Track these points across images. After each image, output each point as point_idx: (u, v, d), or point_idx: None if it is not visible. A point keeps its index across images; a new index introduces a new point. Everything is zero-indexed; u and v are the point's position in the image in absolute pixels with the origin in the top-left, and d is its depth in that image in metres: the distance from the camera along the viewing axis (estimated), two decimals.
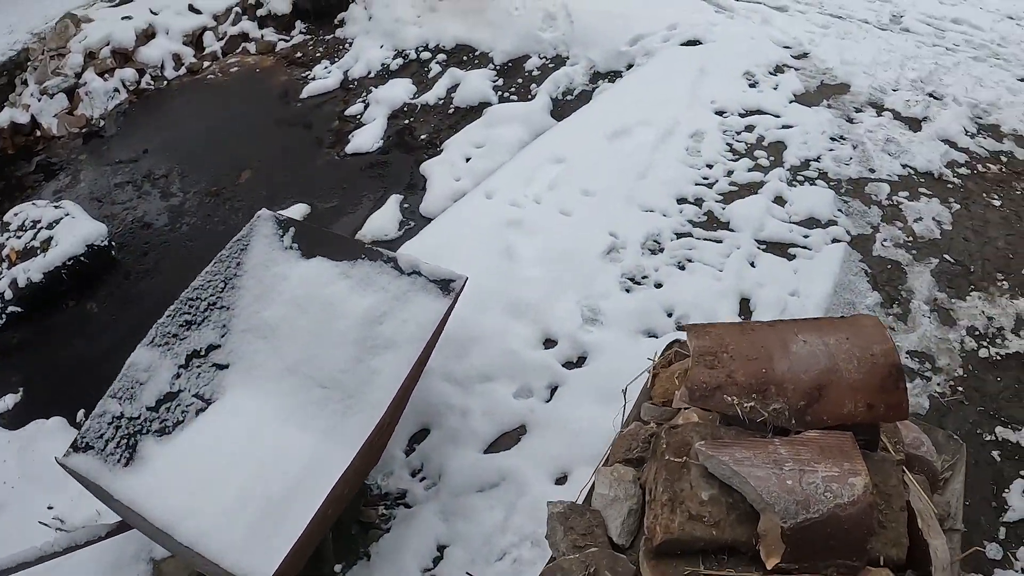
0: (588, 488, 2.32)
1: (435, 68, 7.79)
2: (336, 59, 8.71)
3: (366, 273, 3.73)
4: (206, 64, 9.23)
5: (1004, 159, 5.54)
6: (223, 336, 3.77)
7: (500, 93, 7.00)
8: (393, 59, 8.23)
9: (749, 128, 5.81)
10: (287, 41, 9.61)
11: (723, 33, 6.92)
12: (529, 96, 6.81)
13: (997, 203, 5.11)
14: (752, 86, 6.37)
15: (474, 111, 6.85)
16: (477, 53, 7.81)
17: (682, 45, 6.97)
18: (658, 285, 4.63)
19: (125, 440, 3.43)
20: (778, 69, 6.60)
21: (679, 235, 4.88)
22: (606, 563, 2.04)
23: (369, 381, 3.43)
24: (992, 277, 4.56)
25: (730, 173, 5.43)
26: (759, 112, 5.94)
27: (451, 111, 7.04)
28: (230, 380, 3.70)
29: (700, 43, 6.95)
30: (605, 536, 2.17)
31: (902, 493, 1.98)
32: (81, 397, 4.61)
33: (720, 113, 5.91)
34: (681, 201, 5.16)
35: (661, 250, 4.88)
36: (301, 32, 9.64)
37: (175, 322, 3.61)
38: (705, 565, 1.94)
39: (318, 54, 9.04)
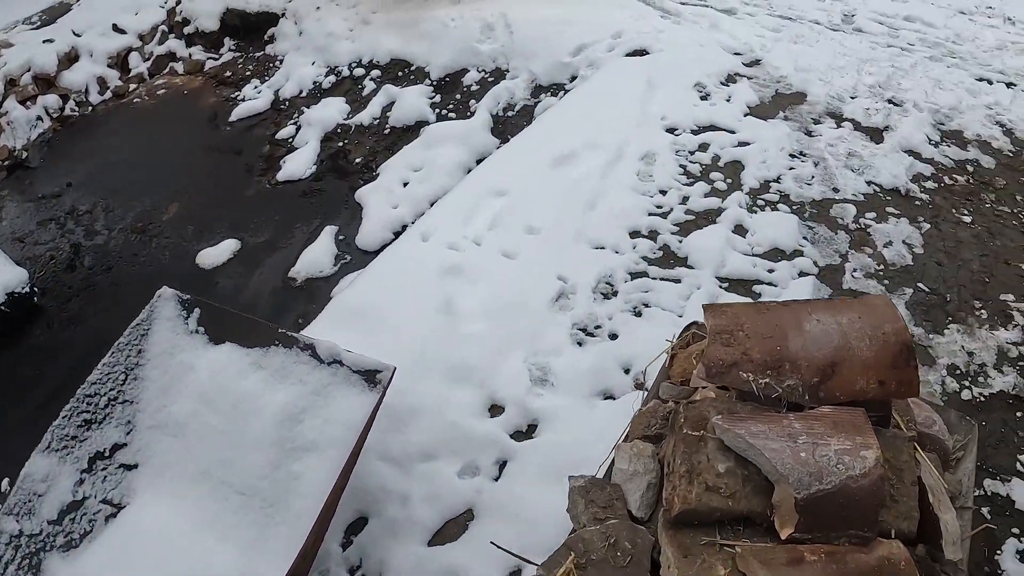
0: (608, 463, 2.27)
1: (369, 85, 7.38)
2: (266, 77, 8.21)
3: (282, 363, 3.27)
4: (132, 87, 8.72)
5: (970, 168, 5.26)
6: (128, 433, 3.30)
7: (438, 111, 6.74)
8: (325, 76, 7.76)
9: (703, 146, 5.29)
10: (216, 59, 9.04)
11: (670, 40, 6.54)
12: (468, 113, 6.52)
13: (968, 219, 4.77)
14: (704, 98, 5.89)
15: (411, 131, 6.62)
16: (413, 68, 7.43)
17: (628, 55, 6.59)
18: (613, 336, 4.14)
19: (27, 561, 2.99)
20: (730, 79, 6.12)
21: (634, 275, 4.43)
22: (626, 534, 2.02)
23: (291, 489, 3.01)
24: (969, 306, 4.24)
25: (685, 200, 4.93)
26: (713, 128, 5.49)
27: (387, 131, 6.77)
28: (140, 482, 3.23)
29: (647, 53, 6.51)
30: (625, 509, 2.12)
31: (913, 468, 1.91)
32: (3, 468, 3.95)
33: (672, 131, 5.48)
34: (634, 235, 4.71)
35: (615, 294, 4.40)
36: (231, 49, 9.12)
37: (73, 423, 3.16)
38: (721, 535, 1.88)
39: (248, 72, 8.50)
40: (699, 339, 2.49)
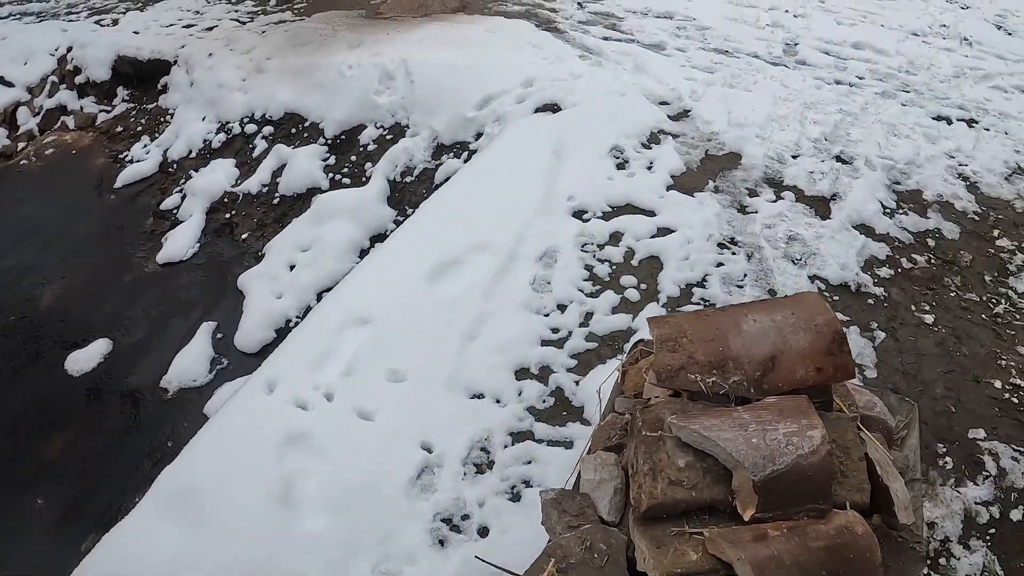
0: (575, 477, 2.26)
1: (260, 144, 6.44)
2: (157, 134, 7.26)
3: None
4: (21, 146, 7.71)
5: (931, 242, 4.35)
6: None
7: (331, 175, 5.90)
8: (216, 133, 6.80)
9: (615, 237, 4.35)
10: (109, 111, 8.10)
11: (587, 90, 5.54)
12: (364, 178, 5.71)
13: (929, 319, 3.87)
14: (621, 166, 4.90)
15: (302, 199, 5.77)
16: (307, 124, 6.39)
17: (539, 110, 5.53)
18: (483, 532, 3.13)
19: None
20: (653, 138, 5.09)
21: (516, 436, 3.37)
22: (600, 536, 2.03)
23: None
24: (932, 453, 3.21)
25: (588, 318, 3.89)
26: (629, 208, 4.58)
27: (276, 200, 5.92)
28: None
29: (559, 108, 5.46)
30: (596, 515, 2.11)
31: (859, 445, 1.98)
32: None
33: (580, 214, 4.49)
34: (521, 374, 3.64)
35: (490, 465, 3.32)
36: (124, 100, 8.13)
37: None
38: (689, 524, 1.91)
39: (139, 128, 7.61)
40: (647, 354, 2.41)
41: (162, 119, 7.20)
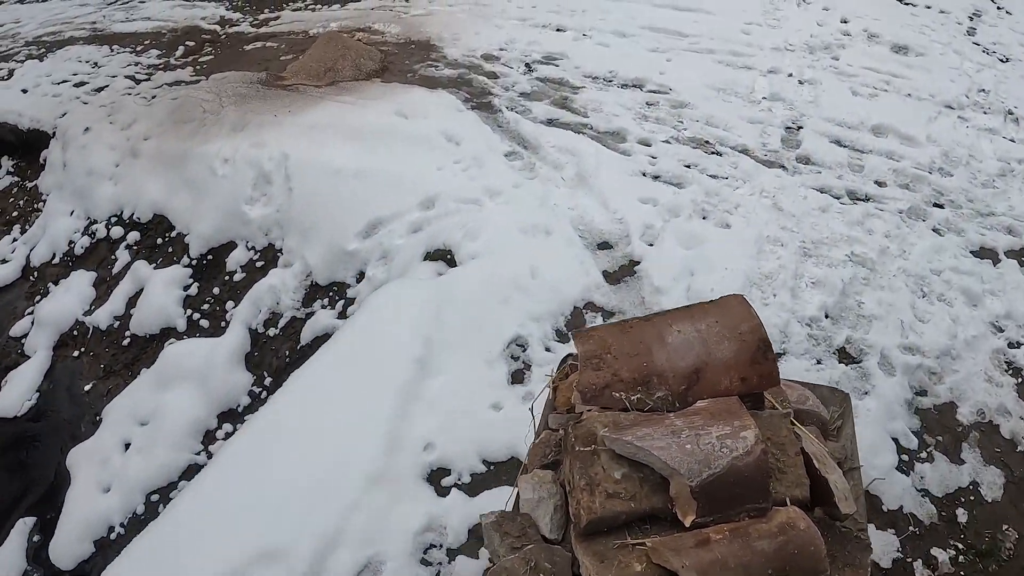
0: (514, 497, 2.26)
1: (123, 257, 5.50)
2: (28, 225, 6.20)
3: None
4: None
5: (962, 517, 3.16)
6: None
7: (189, 312, 4.98)
8: (81, 235, 5.77)
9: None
10: None
11: (499, 225, 4.34)
12: (223, 322, 4.78)
13: None
14: (518, 379, 3.63)
15: (154, 342, 4.95)
16: (174, 234, 5.43)
17: (428, 257, 4.36)
18: None
19: None
20: (575, 321, 3.89)
21: None
22: (544, 556, 2.00)
23: None
24: None
25: None
26: (516, 463, 3.23)
27: (127, 340, 5.03)
28: None
29: (452, 259, 4.30)
30: (538, 534, 2.11)
31: (794, 441, 2.03)
32: None
33: (439, 479, 3.30)
34: None
35: None
36: (9, 172, 6.96)
37: None
38: (631, 536, 1.89)
39: (15, 212, 6.45)
40: (576, 368, 2.36)
41: (37, 204, 6.36)
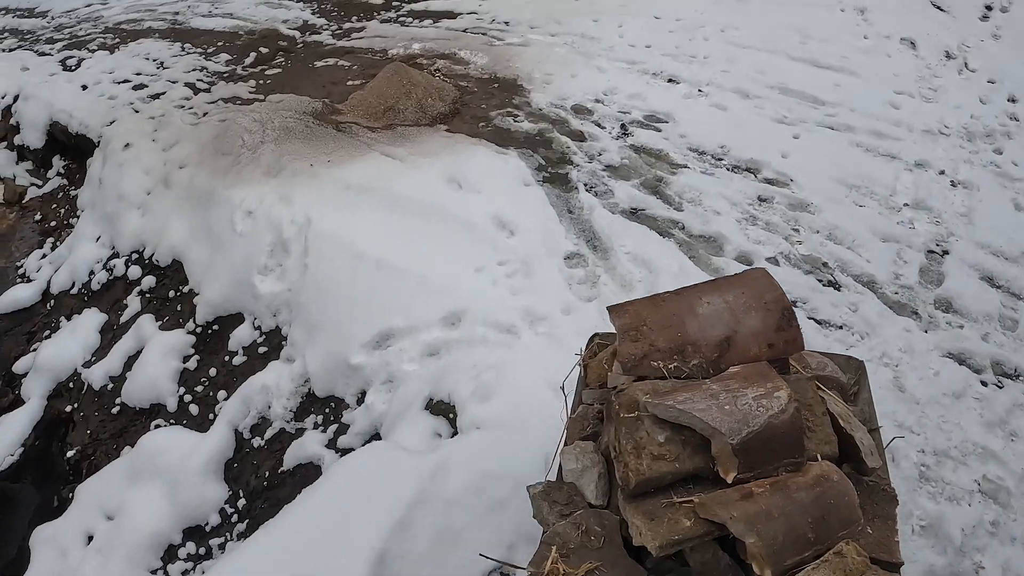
0: (556, 468, 2.50)
1: (133, 304, 5.30)
2: (61, 240, 6.16)
3: None
4: None
5: None
6: None
7: (182, 392, 4.62)
8: (102, 267, 5.66)
9: None
10: (40, 186, 6.87)
11: (529, 375, 3.63)
12: (211, 415, 4.44)
13: None
14: None
15: (144, 416, 4.64)
16: (186, 290, 5.16)
17: (429, 406, 3.72)
18: None
19: None
20: None
21: None
22: (593, 520, 2.20)
23: None
24: None
25: None
26: None
27: (116, 408, 4.72)
28: None
29: (455, 421, 3.62)
30: (584, 501, 2.32)
31: (820, 402, 2.28)
32: None
33: None
34: None
35: None
36: (59, 174, 6.91)
37: None
38: (676, 496, 2.10)
39: (54, 221, 6.35)
40: (603, 347, 2.77)
41: (72, 219, 6.21)
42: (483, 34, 7.52)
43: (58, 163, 7.00)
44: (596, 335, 2.88)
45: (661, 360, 2.29)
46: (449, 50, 7.22)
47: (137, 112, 6.65)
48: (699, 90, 6.09)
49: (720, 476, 2.08)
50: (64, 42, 8.60)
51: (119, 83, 7.27)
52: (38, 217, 6.59)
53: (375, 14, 8.47)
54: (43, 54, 8.35)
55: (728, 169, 5.18)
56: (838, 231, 4.62)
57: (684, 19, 7.35)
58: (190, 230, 5.33)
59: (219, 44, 7.95)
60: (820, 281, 4.30)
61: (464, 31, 7.63)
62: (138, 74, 7.37)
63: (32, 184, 6.95)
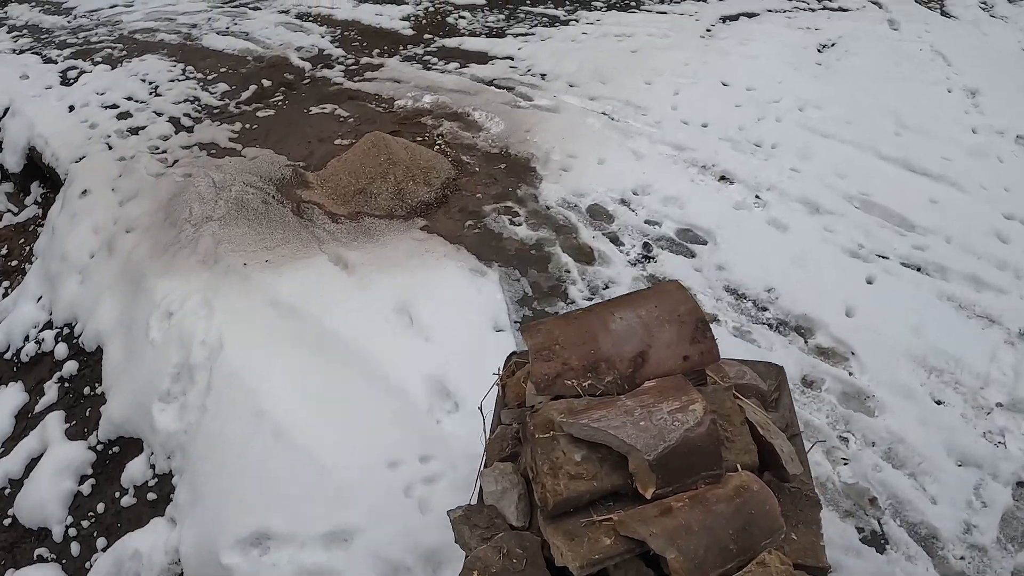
0: (476, 491, 2.60)
1: (51, 393, 4.62)
2: (15, 285, 5.63)
3: None
4: None
5: None
6: None
7: (71, 521, 3.90)
8: (37, 334, 4.95)
9: None
10: (16, 214, 6.41)
11: None
12: (89, 562, 3.78)
13: None
14: None
15: (30, 538, 3.95)
16: (99, 391, 4.47)
17: None
18: None
19: None
20: None
21: None
22: (514, 542, 2.23)
23: None
24: None
25: None
26: None
27: (8, 520, 4.10)
28: None
29: None
30: (505, 523, 2.36)
31: (739, 411, 2.40)
32: None
33: None
34: None
35: None
36: (36, 202, 6.48)
37: None
38: (596, 514, 2.18)
39: (15, 261, 5.69)
40: (521, 365, 2.96)
41: (28, 263, 5.83)
42: (509, 89, 7.04)
43: (36, 190, 6.95)
44: (514, 353, 3.06)
45: (575, 378, 2.37)
46: (463, 108, 6.77)
47: (110, 149, 6.62)
48: (757, 197, 5.18)
49: (639, 492, 2.21)
50: (74, 48, 8.95)
51: (106, 108, 7.41)
52: (4, 251, 6.48)
53: (400, 48, 8.19)
54: (48, 61, 8.78)
55: (771, 327, 4.26)
56: (901, 447, 3.59)
57: (757, 88, 6.69)
58: (118, 317, 4.95)
59: (222, 70, 7.95)
60: (860, 532, 3.33)
61: (490, 82, 7.21)
62: (128, 99, 7.50)
63: (8, 210, 6.87)
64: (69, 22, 9.64)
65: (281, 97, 7.25)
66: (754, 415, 2.37)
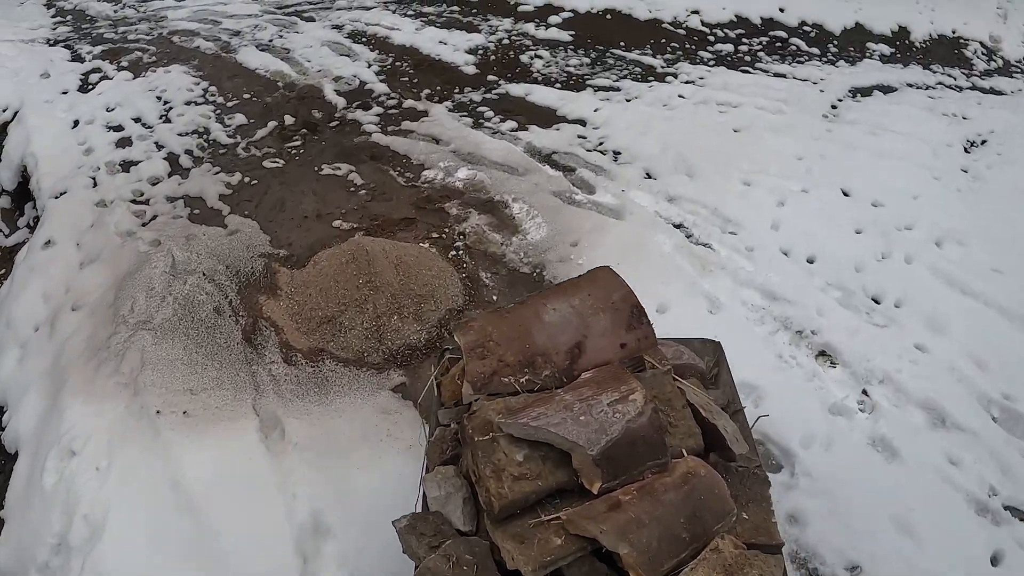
0: (420, 499, 2.65)
1: None
2: None
3: None
4: None
5: None
6: None
7: None
8: None
9: None
10: (7, 235, 5.56)
11: None
12: None
13: None
14: None
15: None
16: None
17: None
18: None
19: None
20: None
21: None
22: (463, 548, 2.23)
23: None
24: None
25: None
26: None
27: None
28: None
29: None
30: (452, 529, 2.37)
31: (680, 395, 2.55)
32: None
33: None
34: None
35: None
36: (28, 225, 5.67)
37: None
38: (544, 513, 2.24)
39: None
40: (456, 362, 3.01)
41: None
42: (568, 171, 5.58)
43: (29, 211, 6.51)
44: (447, 350, 3.12)
45: (511, 375, 2.43)
46: (502, 195, 5.44)
47: (94, 186, 5.90)
48: (864, 394, 3.68)
49: (586, 487, 2.35)
50: (106, 46, 8.44)
51: (109, 129, 6.70)
52: None
53: (455, 91, 6.95)
54: (76, 58, 8.26)
55: None
56: None
57: (886, 205, 5.45)
58: (35, 426, 3.94)
59: (246, 95, 7.03)
60: None
61: (547, 157, 5.80)
62: (136, 120, 6.78)
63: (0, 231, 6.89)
64: (115, 12, 9.22)
65: (298, 143, 6.02)
66: (695, 397, 2.55)
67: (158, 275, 4.44)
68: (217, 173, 5.61)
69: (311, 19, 8.68)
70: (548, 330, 2.43)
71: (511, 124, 6.05)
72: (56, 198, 5.68)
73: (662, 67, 7.28)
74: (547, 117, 6.24)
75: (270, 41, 7.94)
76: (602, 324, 2.42)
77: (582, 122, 6.17)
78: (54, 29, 8.79)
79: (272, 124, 6.03)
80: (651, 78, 7.08)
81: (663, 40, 7.90)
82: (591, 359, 2.42)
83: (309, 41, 7.83)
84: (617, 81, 7.02)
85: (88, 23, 8.75)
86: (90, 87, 7.20)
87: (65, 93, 7.19)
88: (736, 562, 2.00)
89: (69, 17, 9.02)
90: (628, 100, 6.53)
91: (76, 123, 6.65)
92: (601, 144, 5.77)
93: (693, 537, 2.09)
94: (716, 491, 2.14)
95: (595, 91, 6.77)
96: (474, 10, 8.67)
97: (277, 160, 5.76)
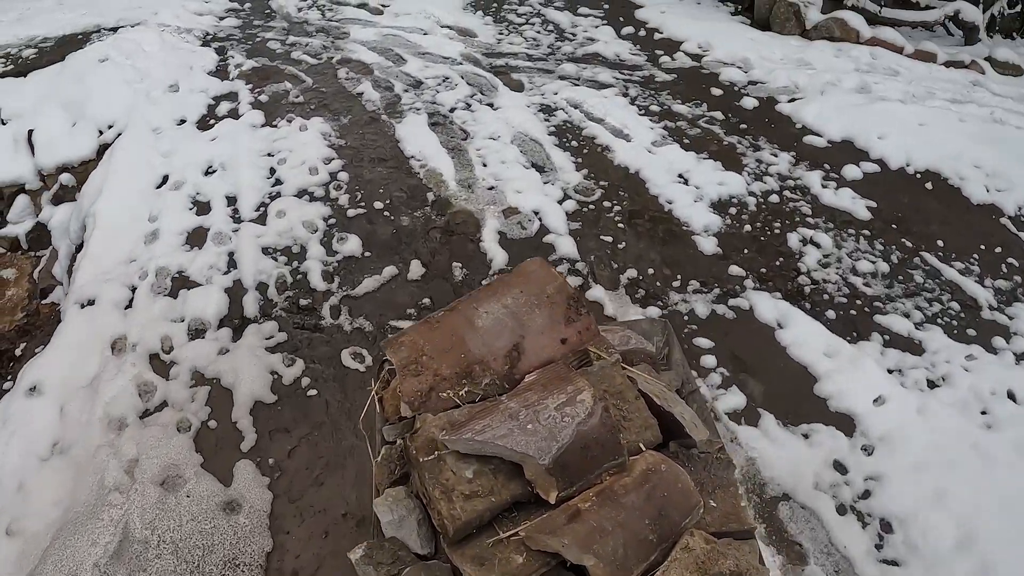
0: (374, 524, 2.48)
1: None
2: None
3: None
4: None
5: None
6: None
7: None
8: None
9: None
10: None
11: None
12: None
13: None
14: None
15: None
16: None
17: None
18: None
19: None
20: None
21: None
22: (424, 574, 2.18)
23: None
24: None
25: None
26: None
27: None
28: None
29: None
30: (410, 554, 2.27)
31: (631, 385, 2.48)
32: None
33: None
34: None
35: None
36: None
37: None
38: (502, 530, 2.15)
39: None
40: (395, 373, 2.86)
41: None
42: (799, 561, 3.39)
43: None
44: (386, 362, 2.91)
45: (450, 388, 2.38)
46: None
47: (125, 308, 4.22)
48: None
49: (542, 498, 2.40)
50: (262, 61, 7.18)
51: (192, 205, 5.21)
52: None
53: (672, 286, 4.17)
54: (220, 70, 7.05)
55: None
56: None
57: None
58: None
59: (379, 203, 4.77)
60: None
61: (772, 500, 3.25)
62: (229, 202, 5.23)
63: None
64: (299, 11, 7.87)
65: (411, 318, 3.98)
66: (647, 385, 2.45)
67: (97, 551, 2.78)
68: (273, 350, 3.80)
69: (518, 86, 6.51)
70: (482, 336, 2.36)
71: (734, 402, 3.61)
72: (81, 307, 4.17)
73: (990, 307, 4.54)
74: (796, 393, 3.79)
75: (451, 111, 5.95)
76: (539, 321, 2.35)
77: (849, 423, 3.68)
78: (221, 19, 7.52)
79: (389, 271, 4.16)
80: (971, 329, 4.39)
81: (998, 248, 5.02)
82: (532, 360, 2.36)
83: (499, 125, 5.72)
84: (922, 325, 4.37)
85: (263, 19, 7.56)
86: (211, 123, 5.79)
87: (181, 123, 5.75)
88: (709, 557, 1.94)
89: (248, 5, 7.85)
90: (932, 383, 3.90)
91: (164, 180, 5.23)
92: (865, 498, 3.36)
93: (661, 538, 2.03)
94: (679, 485, 2.10)
95: (884, 344, 4.18)
96: (743, 125, 6.26)
97: (362, 355, 3.79)
